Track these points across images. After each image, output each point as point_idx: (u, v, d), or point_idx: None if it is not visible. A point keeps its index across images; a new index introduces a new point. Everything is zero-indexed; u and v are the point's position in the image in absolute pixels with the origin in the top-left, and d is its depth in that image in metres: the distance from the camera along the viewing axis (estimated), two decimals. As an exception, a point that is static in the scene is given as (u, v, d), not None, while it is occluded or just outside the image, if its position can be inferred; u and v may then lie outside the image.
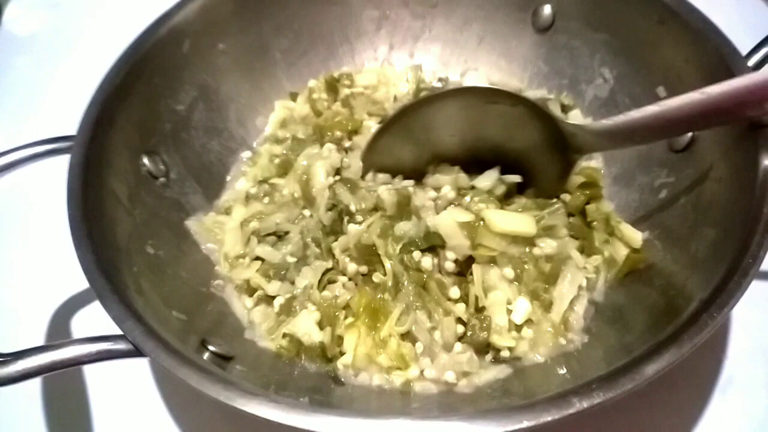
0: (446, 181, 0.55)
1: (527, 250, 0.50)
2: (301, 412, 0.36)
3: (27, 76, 0.84)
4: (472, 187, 0.55)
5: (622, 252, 0.53)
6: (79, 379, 0.56)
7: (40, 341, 0.58)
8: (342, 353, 0.50)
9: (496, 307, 0.48)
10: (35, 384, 0.55)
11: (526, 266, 0.49)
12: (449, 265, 0.50)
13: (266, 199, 0.60)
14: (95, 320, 0.55)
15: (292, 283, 0.53)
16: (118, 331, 0.41)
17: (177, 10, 0.61)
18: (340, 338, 0.50)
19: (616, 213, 0.57)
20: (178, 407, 0.54)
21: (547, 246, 0.50)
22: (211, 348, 0.45)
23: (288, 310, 0.52)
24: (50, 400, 0.55)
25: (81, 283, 0.59)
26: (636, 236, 0.53)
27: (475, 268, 0.49)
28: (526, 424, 0.34)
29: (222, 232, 0.58)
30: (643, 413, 0.50)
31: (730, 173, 0.47)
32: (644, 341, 0.39)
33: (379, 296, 0.50)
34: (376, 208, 0.54)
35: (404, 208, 0.53)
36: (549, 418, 0.34)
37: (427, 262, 0.50)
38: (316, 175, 0.58)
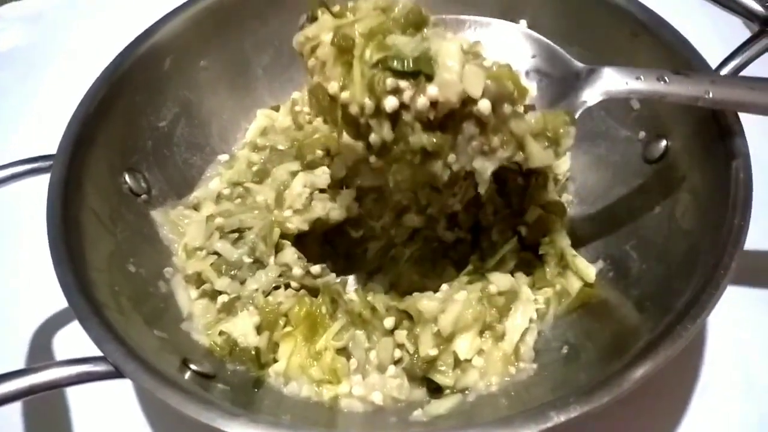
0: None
1: (480, 290, 0.51)
2: (283, 432, 0.36)
3: (8, 91, 0.84)
4: None
5: (575, 285, 0.54)
6: (61, 400, 0.55)
7: (21, 361, 0.58)
8: (275, 360, 0.50)
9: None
10: (16, 406, 0.55)
11: (481, 306, 0.50)
12: (422, 102, 0.41)
13: (238, 200, 0.60)
14: (77, 339, 0.55)
15: (242, 283, 0.54)
16: (99, 352, 0.41)
17: (158, 27, 0.61)
18: (276, 345, 0.51)
19: (590, 226, 0.58)
20: (163, 428, 0.54)
21: (499, 284, 0.51)
22: (192, 367, 0.45)
23: (229, 308, 0.53)
24: (32, 423, 0.54)
25: (62, 302, 0.59)
26: (590, 271, 0.54)
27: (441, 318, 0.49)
28: (504, 438, 0.35)
29: (186, 225, 0.58)
30: (622, 421, 0.51)
31: (703, 184, 0.48)
32: (592, 372, 0.40)
33: (316, 310, 0.51)
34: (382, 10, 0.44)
35: (413, 25, 0.44)
36: (527, 433, 0.35)
37: (391, 102, 0.41)
38: (295, 186, 0.58)
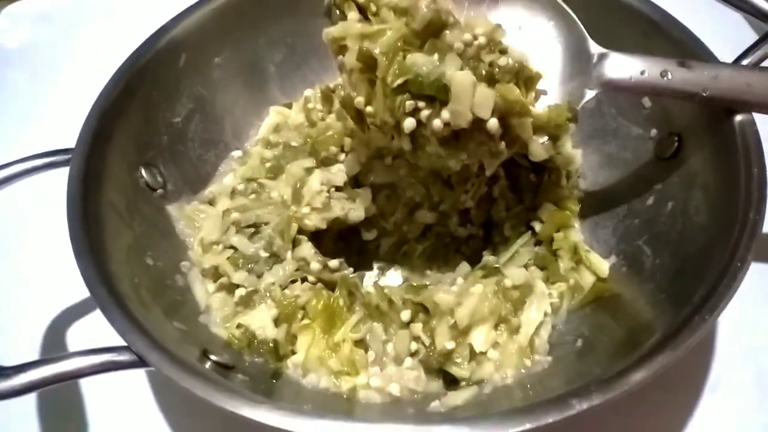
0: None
1: (496, 284, 0.51)
2: (309, 418, 0.36)
3: (18, 89, 0.84)
4: None
5: (588, 280, 0.54)
6: (76, 391, 0.55)
7: (36, 353, 0.58)
8: (293, 352, 0.51)
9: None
10: (31, 397, 0.55)
11: (496, 299, 0.50)
12: (437, 124, 0.46)
13: (252, 196, 0.60)
14: (91, 331, 0.55)
15: (259, 276, 0.54)
16: (119, 342, 0.41)
17: (174, 25, 0.61)
18: (294, 337, 0.52)
19: (602, 221, 0.59)
20: (177, 418, 0.54)
21: (514, 278, 0.52)
22: (212, 357, 0.46)
23: (247, 302, 0.53)
24: (47, 413, 0.55)
25: (77, 294, 0.60)
26: (603, 266, 0.55)
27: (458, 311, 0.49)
28: (528, 426, 0.35)
29: (201, 220, 0.59)
30: (635, 414, 0.52)
31: (716, 180, 0.49)
32: (606, 366, 0.41)
33: (334, 302, 0.52)
34: (403, 11, 0.47)
35: (433, 33, 0.46)
36: (550, 420, 0.35)
37: (409, 123, 0.46)
38: (312, 183, 0.59)
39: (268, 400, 0.38)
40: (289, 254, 0.55)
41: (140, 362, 0.40)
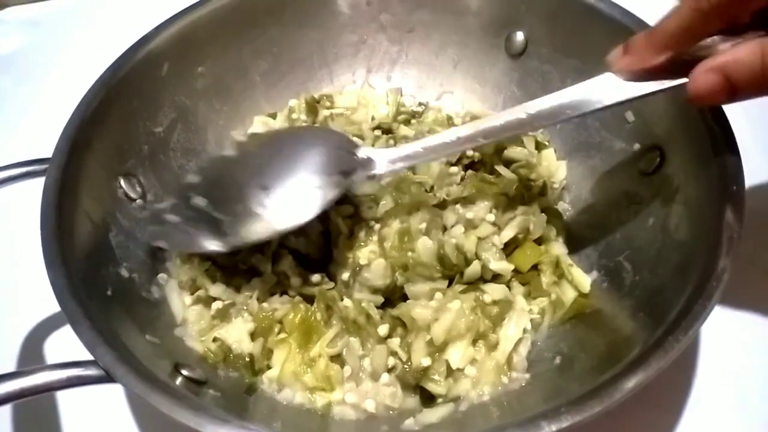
0: None
1: (474, 300, 0.51)
2: (273, 439, 0.36)
3: (6, 96, 0.84)
4: None
5: (569, 295, 0.54)
6: (51, 403, 0.55)
7: (12, 366, 0.57)
8: (269, 367, 0.51)
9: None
10: (6, 411, 0.54)
11: (474, 315, 0.49)
12: None
13: None
14: (69, 344, 0.54)
15: (237, 289, 0.54)
16: (91, 356, 0.41)
17: (156, 33, 0.61)
18: (270, 351, 0.51)
19: (585, 237, 0.58)
20: (152, 432, 0.53)
21: (493, 293, 0.51)
22: (184, 372, 0.45)
23: (224, 315, 0.53)
24: (22, 426, 0.54)
25: (54, 306, 0.59)
26: (585, 281, 0.54)
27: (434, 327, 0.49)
28: (494, 448, 0.34)
29: None
30: (614, 433, 0.51)
31: (697, 196, 0.49)
32: (584, 383, 0.40)
33: (311, 316, 0.51)
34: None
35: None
36: (518, 442, 0.35)
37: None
38: None
39: (235, 418, 0.38)
40: (269, 267, 0.54)
41: (107, 377, 0.40)
